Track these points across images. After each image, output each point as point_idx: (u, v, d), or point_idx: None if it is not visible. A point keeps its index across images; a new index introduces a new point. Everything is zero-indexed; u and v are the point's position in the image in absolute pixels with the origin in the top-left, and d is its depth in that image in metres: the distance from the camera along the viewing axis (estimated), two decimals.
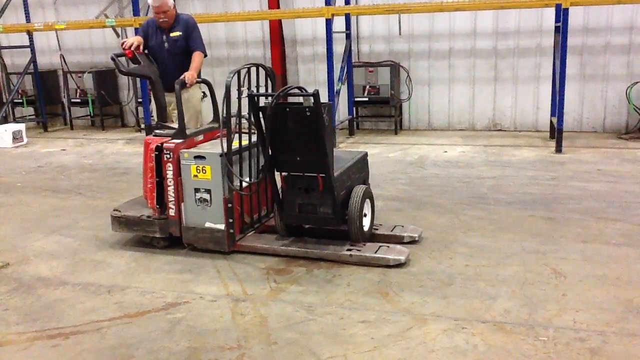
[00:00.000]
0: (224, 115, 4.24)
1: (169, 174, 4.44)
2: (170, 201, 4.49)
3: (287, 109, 4.08)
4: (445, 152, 8.16)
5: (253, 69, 4.55)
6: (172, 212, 4.50)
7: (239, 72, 4.30)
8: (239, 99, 4.31)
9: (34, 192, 6.78)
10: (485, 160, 7.53)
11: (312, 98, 3.92)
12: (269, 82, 4.67)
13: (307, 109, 3.98)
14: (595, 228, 4.80)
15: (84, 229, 5.31)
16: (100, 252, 4.71)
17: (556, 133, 7.87)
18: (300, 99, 4.06)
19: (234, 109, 4.31)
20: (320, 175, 4.20)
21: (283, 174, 4.38)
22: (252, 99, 4.24)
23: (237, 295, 3.83)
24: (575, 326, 3.24)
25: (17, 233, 5.29)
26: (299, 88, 4.23)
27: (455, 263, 4.19)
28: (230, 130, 4.28)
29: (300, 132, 4.10)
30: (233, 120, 4.38)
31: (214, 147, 4.45)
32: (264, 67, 4.56)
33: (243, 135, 4.50)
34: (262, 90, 4.65)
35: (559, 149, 7.76)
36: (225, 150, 4.23)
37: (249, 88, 4.48)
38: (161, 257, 4.52)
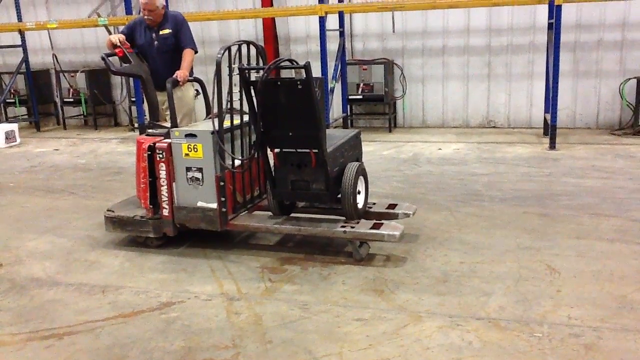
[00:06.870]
0: (215, 93, 4.12)
1: (162, 173, 4.41)
2: (164, 201, 4.46)
3: (279, 83, 4.03)
4: (440, 149, 8.17)
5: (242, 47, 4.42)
6: (165, 212, 4.48)
7: (229, 49, 4.21)
8: (230, 76, 4.22)
9: (27, 192, 6.74)
10: (479, 157, 7.54)
11: (303, 70, 3.86)
12: (260, 61, 4.58)
13: (298, 82, 3.92)
14: (589, 224, 4.81)
15: (78, 228, 5.28)
16: (93, 252, 4.69)
17: (550, 129, 7.89)
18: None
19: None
20: (313, 150, 4.15)
21: (275, 150, 4.32)
22: (243, 73, 4.14)
23: (232, 294, 3.82)
24: (570, 322, 3.25)
25: (10, 233, 5.26)
26: (290, 60, 4.16)
27: (450, 260, 4.19)
28: (222, 108, 4.19)
29: (292, 106, 4.03)
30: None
31: (206, 125, 4.41)
32: (254, 44, 4.47)
33: (235, 113, 4.42)
34: None
35: (552, 146, 7.77)
36: (217, 127, 4.17)
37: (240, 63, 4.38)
38: (155, 257, 4.50)
